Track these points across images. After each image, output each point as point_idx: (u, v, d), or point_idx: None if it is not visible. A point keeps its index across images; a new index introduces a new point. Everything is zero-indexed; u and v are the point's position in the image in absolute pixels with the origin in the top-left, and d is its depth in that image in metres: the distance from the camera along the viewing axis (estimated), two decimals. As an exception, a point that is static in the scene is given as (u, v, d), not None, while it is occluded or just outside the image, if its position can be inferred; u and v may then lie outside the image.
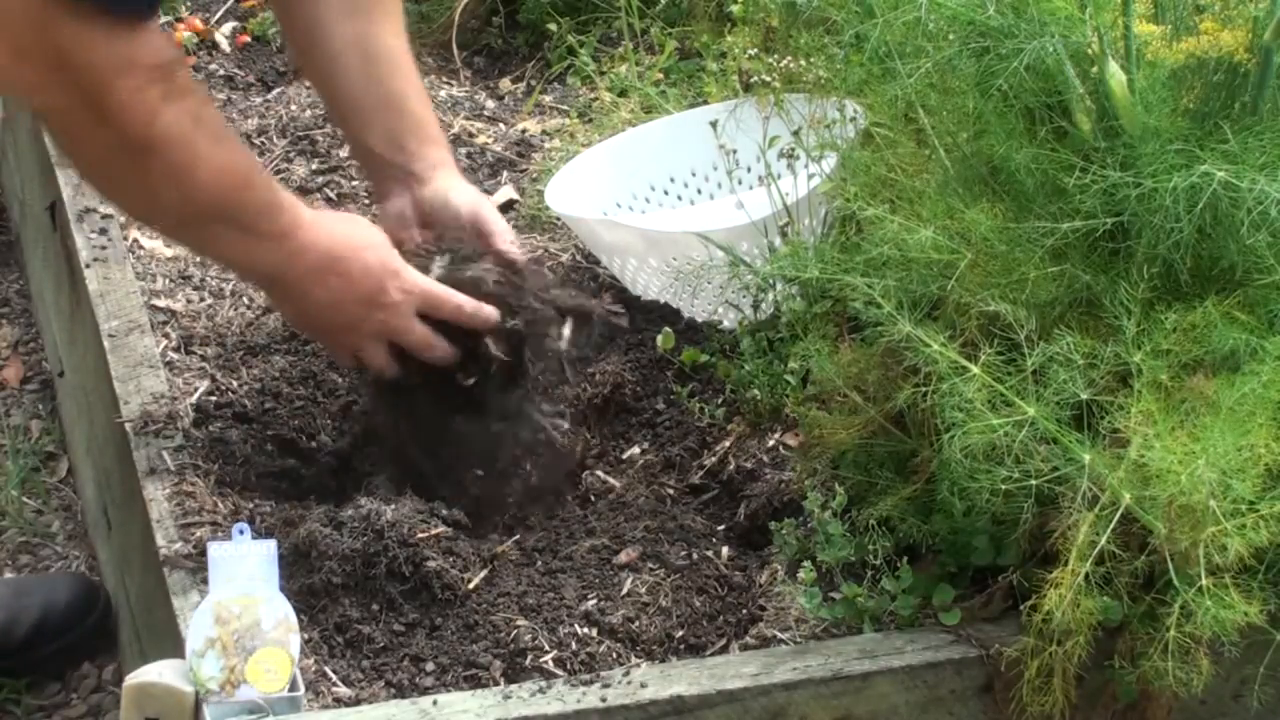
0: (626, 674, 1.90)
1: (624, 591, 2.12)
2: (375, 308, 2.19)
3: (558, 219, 2.80)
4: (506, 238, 2.34)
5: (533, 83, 3.37)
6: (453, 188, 2.35)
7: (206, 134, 2.02)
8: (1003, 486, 1.78)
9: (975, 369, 1.81)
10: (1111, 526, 1.75)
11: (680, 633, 2.07)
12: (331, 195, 3.00)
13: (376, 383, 2.29)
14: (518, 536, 2.24)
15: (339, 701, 1.96)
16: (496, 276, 2.27)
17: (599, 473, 2.36)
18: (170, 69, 1.99)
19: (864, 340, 2.05)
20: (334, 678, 2.00)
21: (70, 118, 1.97)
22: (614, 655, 2.02)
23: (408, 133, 2.34)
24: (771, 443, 2.28)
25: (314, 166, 3.05)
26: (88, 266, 2.66)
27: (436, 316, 2.22)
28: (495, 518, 2.27)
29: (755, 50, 2.87)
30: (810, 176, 2.44)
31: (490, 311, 2.24)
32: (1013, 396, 1.80)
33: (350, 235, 2.20)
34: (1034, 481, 1.77)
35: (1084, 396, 1.81)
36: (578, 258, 2.72)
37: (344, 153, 3.05)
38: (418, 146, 2.35)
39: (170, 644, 2.01)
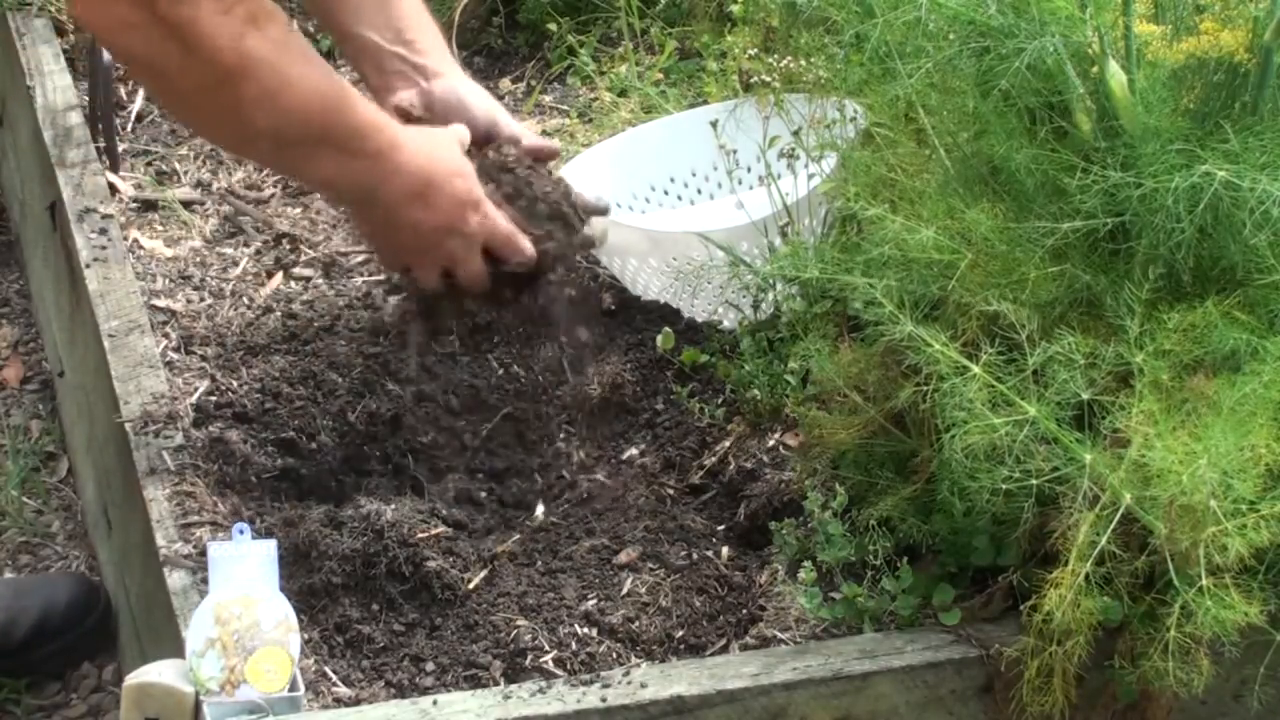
0: (626, 674, 1.89)
1: (624, 591, 2.12)
2: (452, 235, 2.20)
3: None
4: (526, 142, 2.35)
5: (533, 83, 3.37)
6: (467, 88, 2.35)
7: (296, 55, 2.02)
8: (1003, 486, 1.78)
9: (976, 368, 1.81)
10: (1112, 526, 1.75)
11: (680, 633, 2.07)
12: (331, 195, 3.00)
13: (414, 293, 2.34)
14: (518, 537, 2.25)
15: (339, 701, 1.96)
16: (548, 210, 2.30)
17: (599, 473, 2.36)
18: None
19: (864, 340, 2.05)
20: (334, 678, 2.00)
21: (159, 54, 1.96)
22: (614, 655, 2.02)
23: (409, 24, 2.34)
24: (771, 443, 2.28)
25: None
26: (88, 266, 2.66)
27: (497, 255, 2.24)
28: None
29: (755, 50, 2.86)
30: (810, 176, 2.44)
31: (532, 257, 2.26)
32: (1013, 396, 1.80)
33: (442, 160, 2.20)
34: (1034, 481, 1.77)
35: (1085, 396, 1.81)
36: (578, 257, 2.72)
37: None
38: (422, 39, 2.34)
39: (170, 644, 2.01)
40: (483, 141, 2.32)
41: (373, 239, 2.29)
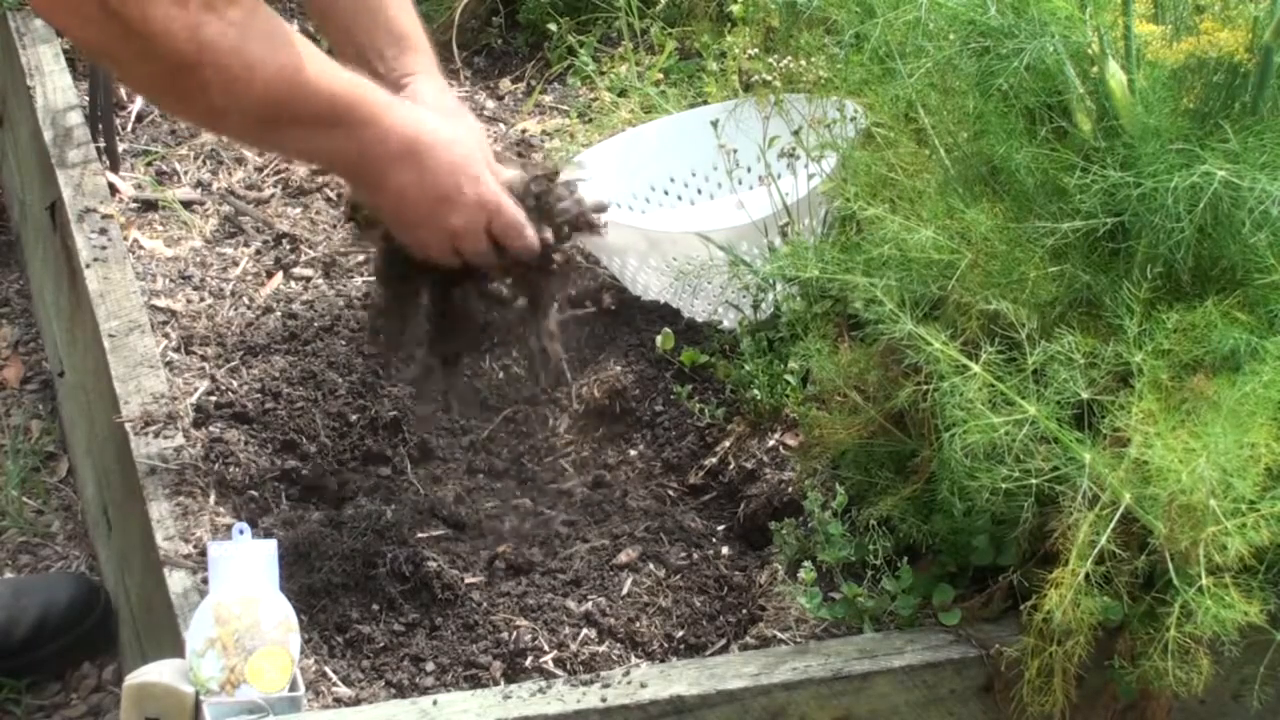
0: (626, 674, 1.89)
1: (624, 592, 2.12)
2: (446, 204, 2.13)
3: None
4: None
5: (533, 83, 3.37)
6: (424, 94, 2.28)
7: (258, 36, 1.98)
8: (1003, 486, 1.78)
9: (976, 367, 1.81)
10: (1111, 526, 1.75)
11: (680, 633, 2.07)
12: (331, 195, 3.00)
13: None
14: (518, 537, 2.25)
15: (339, 701, 1.96)
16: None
17: (599, 473, 2.36)
18: None
19: (864, 340, 2.05)
20: (334, 678, 2.00)
21: (117, 49, 1.95)
22: (614, 655, 2.02)
23: (385, 41, 2.31)
24: (771, 443, 2.28)
25: (315, 166, 3.05)
26: (88, 266, 2.66)
27: (497, 237, 2.18)
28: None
29: (755, 50, 2.87)
30: (810, 176, 2.44)
31: (535, 245, 2.21)
32: (1013, 395, 1.80)
33: (438, 127, 2.14)
34: (1034, 481, 1.77)
35: (1085, 396, 1.81)
36: (578, 257, 2.72)
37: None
38: (396, 55, 2.31)
39: (170, 644, 2.01)
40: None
41: (382, 215, 2.25)
